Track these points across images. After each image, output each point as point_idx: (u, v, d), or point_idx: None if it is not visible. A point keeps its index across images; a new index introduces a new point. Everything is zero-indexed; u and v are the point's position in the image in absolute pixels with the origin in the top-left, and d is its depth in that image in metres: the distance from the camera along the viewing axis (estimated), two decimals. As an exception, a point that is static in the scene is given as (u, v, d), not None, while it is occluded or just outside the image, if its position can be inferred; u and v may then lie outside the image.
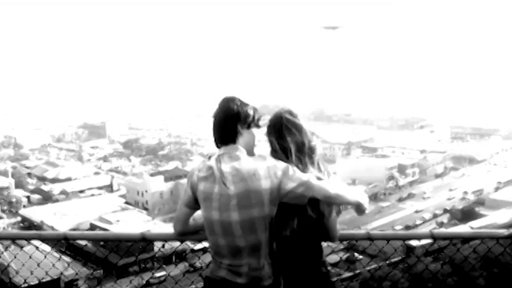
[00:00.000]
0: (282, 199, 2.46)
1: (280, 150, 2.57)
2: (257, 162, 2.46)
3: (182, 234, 2.86)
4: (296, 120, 2.61)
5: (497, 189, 69.65)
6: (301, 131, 2.59)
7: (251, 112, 2.55)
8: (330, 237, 2.66)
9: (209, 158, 2.58)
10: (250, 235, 2.44)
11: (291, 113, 2.63)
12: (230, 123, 2.53)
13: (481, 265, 14.35)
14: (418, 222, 58.55)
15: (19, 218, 57.43)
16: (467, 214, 54.51)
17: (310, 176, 2.49)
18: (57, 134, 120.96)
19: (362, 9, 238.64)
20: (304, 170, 2.54)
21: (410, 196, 70.57)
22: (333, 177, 2.64)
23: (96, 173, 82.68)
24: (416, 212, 62.84)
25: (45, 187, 70.63)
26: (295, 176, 2.44)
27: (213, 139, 2.60)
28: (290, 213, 2.53)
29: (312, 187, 2.45)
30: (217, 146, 2.57)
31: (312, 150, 2.60)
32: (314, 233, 2.61)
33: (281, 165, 2.46)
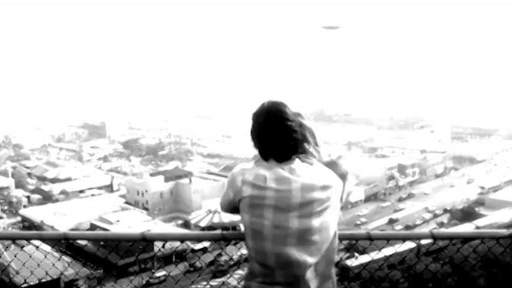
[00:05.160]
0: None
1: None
2: (323, 172, 2.28)
3: None
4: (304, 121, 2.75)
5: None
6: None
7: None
8: None
9: (256, 160, 2.34)
10: (305, 245, 2.21)
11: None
12: (292, 141, 2.28)
13: (481, 265, 14.33)
14: (418, 222, 58.56)
15: (19, 218, 57.47)
16: (467, 214, 54.48)
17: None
18: (57, 134, 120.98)
19: (362, 9, 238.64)
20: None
21: (410, 196, 70.58)
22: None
23: (96, 173, 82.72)
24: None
25: (45, 187, 70.66)
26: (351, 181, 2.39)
27: (264, 151, 2.30)
28: None
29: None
30: (277, 160, 2.29)
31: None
32: None
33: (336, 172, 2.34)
